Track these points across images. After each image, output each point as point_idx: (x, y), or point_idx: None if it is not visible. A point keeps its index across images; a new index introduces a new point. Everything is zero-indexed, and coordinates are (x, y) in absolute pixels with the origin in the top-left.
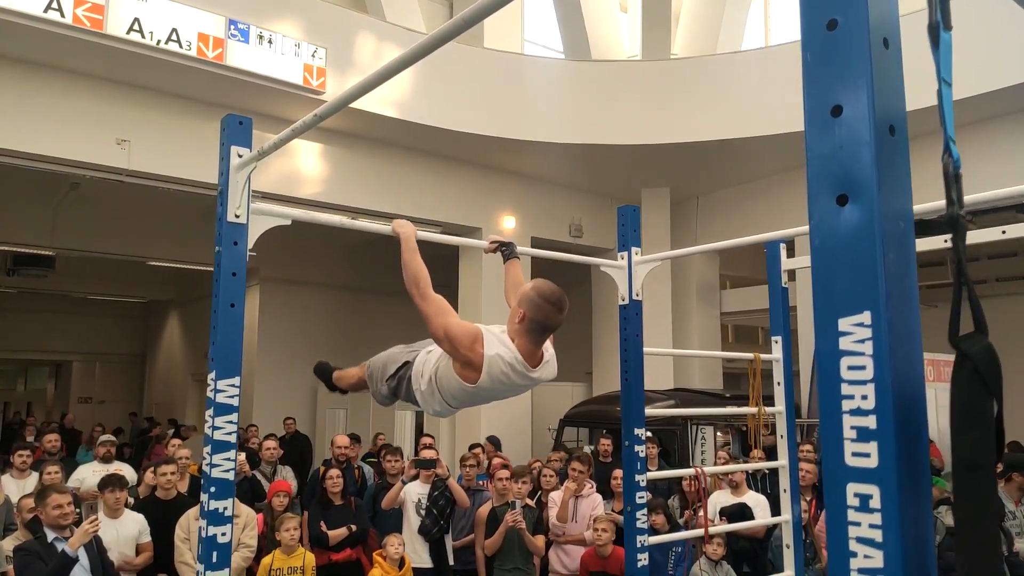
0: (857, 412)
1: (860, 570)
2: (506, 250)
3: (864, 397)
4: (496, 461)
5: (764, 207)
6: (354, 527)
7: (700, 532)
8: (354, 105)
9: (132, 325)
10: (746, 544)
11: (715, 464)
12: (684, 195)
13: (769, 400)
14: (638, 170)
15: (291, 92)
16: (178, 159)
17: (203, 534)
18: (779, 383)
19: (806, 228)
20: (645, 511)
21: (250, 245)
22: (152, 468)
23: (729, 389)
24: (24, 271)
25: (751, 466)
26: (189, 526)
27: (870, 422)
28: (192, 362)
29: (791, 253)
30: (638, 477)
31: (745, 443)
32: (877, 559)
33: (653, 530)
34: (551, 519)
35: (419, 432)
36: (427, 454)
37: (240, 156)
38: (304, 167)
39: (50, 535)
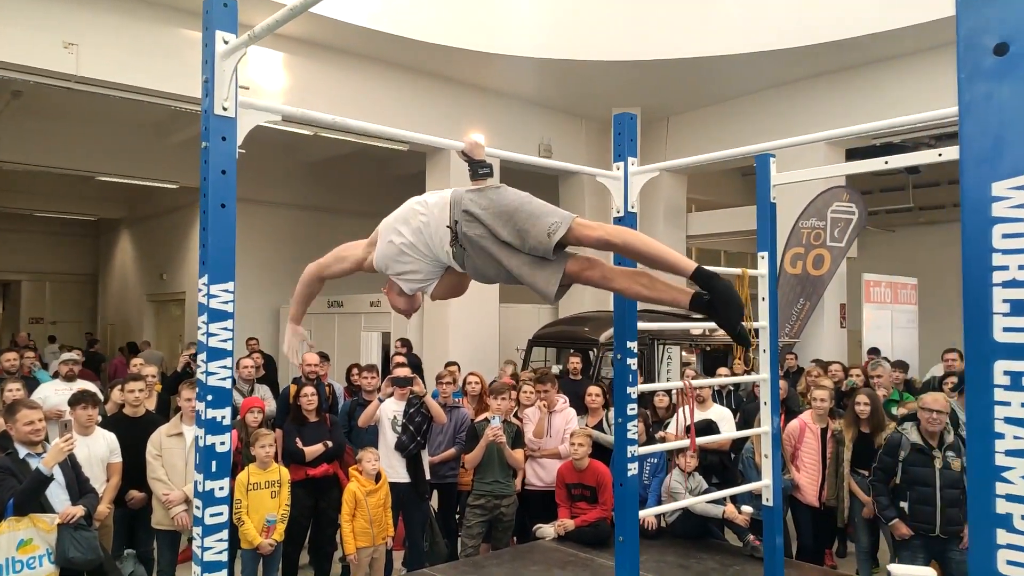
0: (1012, 284)
1: (1008, 451)
2: (482, 170)
3: (1021, 267)
4: (471, 377)
5: (736, 128)
6: (330, 443)
7: (686, 443)
8: (317, 10)
9: (83, 244)
10: (714, 458)
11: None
12: (655, 115)
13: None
14: (609, 88)
15: None
16: (130, 65)
17: (201, 443)
18: (764, 299)
19: (799, 138)
20: (635, 422)
21: (239, 141)
22: (120, 385)
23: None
24: None
25: (734, 379)
26: (161, 443)
27: None
28: (147, 283)
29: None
30: (629, 389)
31: (707, 362)
32: None
33: None
34: (527, 435)
35: (385, 352)
36: (402, 372)
37: (226, 42)
38: (262, 78)
39: (21, 451)
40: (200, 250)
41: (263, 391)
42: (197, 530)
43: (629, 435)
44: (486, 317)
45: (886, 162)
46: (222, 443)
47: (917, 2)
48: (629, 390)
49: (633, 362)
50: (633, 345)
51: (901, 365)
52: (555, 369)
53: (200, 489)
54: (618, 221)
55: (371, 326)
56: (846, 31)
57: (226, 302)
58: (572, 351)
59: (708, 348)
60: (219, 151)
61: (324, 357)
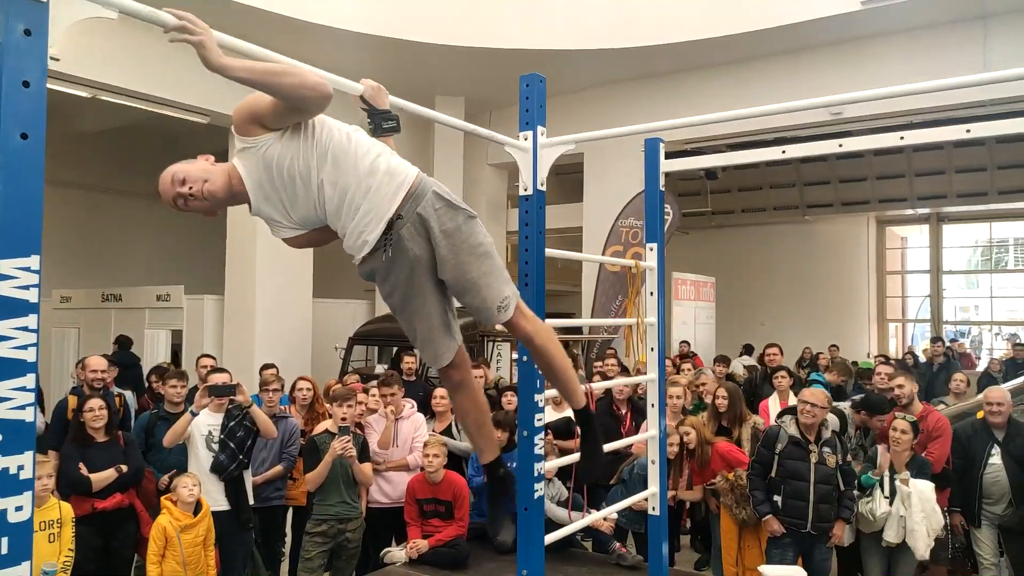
0: None
1: None
2: (387, 123)
3: None
4: (301, 383)
5: (560, 126)
6: (124, 467)
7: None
8: None
9: None
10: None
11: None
12: (478, 107)
13: None
14: (432, 74)
15: None
16: None
17: None
18: (652, 293)
19: (691, 120)
20: (542, 435)
21: (53, 44)
22: None
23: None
24: None
25: (634, 380)
26: None
27: None
28: None
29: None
30: (537, 397)
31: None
32: None
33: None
34: (372, 446)
35: (175, 354)
36: (218, 378)
37: None
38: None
39: None
40: None
41: None
42: None
43: (537, 450)
44: (298, 312)
45: (968, 130)
46: (18, 508)
47: (733, 15)
48: (536, 397)
49: None
50: None
51: (723, 360)
52: (379, 369)
53: None
54: (525, 200)
55: (157, 323)
56: (667, 36)
57: (27, 286)
58: (406, 350)
59: None
60: (20, 52)
61: (111, 361)
